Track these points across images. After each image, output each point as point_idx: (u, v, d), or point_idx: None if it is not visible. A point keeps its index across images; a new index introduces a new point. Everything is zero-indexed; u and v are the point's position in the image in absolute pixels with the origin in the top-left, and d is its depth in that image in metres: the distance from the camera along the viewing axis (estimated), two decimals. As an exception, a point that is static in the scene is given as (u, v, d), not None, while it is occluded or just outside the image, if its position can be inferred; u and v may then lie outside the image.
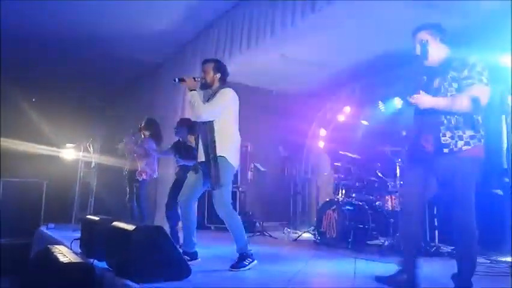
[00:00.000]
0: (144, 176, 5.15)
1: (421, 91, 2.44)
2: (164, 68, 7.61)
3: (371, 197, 5.10)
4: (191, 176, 3.37)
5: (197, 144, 3.35)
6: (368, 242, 4.89)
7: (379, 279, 2.65)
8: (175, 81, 3.36)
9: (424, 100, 2.43)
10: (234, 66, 6.30)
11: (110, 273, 2.79)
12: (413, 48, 2.62)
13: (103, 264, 2.99)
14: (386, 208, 4.86)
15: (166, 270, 2.64)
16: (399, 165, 4.70)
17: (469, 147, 2.38)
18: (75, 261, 2.74)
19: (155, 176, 5.45)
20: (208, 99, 3.34)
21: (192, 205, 3.42)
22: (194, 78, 3.32)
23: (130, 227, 2.70)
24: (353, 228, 4.74)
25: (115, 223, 3.04)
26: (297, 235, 5.76)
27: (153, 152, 5.22)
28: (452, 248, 4.57)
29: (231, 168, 3.20)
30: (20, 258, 5.70)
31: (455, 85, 2.44)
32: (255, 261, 3.17)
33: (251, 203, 7.31)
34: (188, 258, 3.19)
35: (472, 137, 2.40)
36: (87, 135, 6.37)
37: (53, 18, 6.01)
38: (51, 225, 6.52)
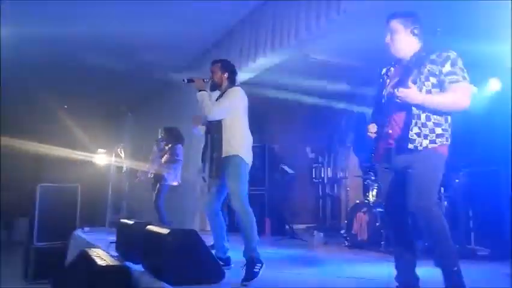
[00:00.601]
0: (167, 182, 5.50)
1: (410, 83, 2.22)
2: (190, 73, 7.69)
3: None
4: (209, 182, 3.37)
5: (207, 143, 3.35)
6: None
7: None
8: (184, 81, 3.39)
9: (413, 95, 2.21)
10: (258, 69, 6.42)
11: (146, 276, 2.85)
12: (384, 36, 2.45)
13: (139, 267, 3.06)
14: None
15: (200, 273, 2.68)
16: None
17: (435, 145, 2.26)
18: (112, 264, 2.81)
19: (176, 184, 5.69)
20: (217, 99, 3.33)
21: (218, 211, 3.36)
22: (203, 80, 3.33)
23: (164, 231, 2.75)
24: (385, 231, 4.67)
25: (150, 227, 3.10)
26: (327, 238, 5.70)
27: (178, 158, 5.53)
28: (489, 250, 4.46)
29: (244, 164, 3.13)
30: (57, 261, 5.88)
31: (432, 80, 2.28)
32: (264, 265, 2.97)
33: (279, 205, 7.29)
34: (222, 263, 3.21)
35: (439, 136, 2.27)
36: (117, 141, 6.54)
37: (84, 29, 6.19)
38: (87, 228, 6.72)
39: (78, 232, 6.40)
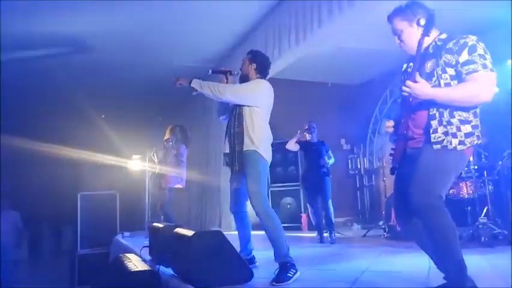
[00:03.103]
0: (170, 185, 5.27)
1: (418, 76, 1.98)
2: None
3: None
4: (231, 180, 3.21)
5: (226, 134, 3.17)
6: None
7: None
8: (209, 72, 3.28)
9: (422, 89, 1.97)
10: (284, 63, 6.31)
11: (175, 280, 2.83)
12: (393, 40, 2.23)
13: (169, 271, 3.05)
14: (461, 196, 4.49)
15: (228, 275, 2.62)
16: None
17: (464, 147, 1.99)
18: (141, 269, 2.81)
19: (180, 186, 5.46)
20: None
21: (243, 208, 3.23)
22: (230, 72, 3.22)
23: (189, 233, 2.72)
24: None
25: (177, 229, 3.08)
26: (365, 231, 5.52)
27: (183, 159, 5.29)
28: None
29: (263, 162, 2.95)
30: (100, 267, 6.05)
31: (450, 71, 2.02)
32: (298, 273, 2.76)
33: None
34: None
35: (467, 135, 2.00)
36: (150, 146, 6.61)
37: (118, 37, 6.32)
38: (127, 233, 6.87)
39: (118, 237, 6.55)
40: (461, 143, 1.99)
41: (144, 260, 3.56)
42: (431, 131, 2.03)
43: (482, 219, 4.13)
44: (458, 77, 2.02)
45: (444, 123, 2.02)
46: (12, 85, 7.30)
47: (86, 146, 8.14)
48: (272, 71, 6.41)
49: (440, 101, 2.00)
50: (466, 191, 4.40)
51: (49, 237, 10.11)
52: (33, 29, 5.78)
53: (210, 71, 3.27)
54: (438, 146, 2.01)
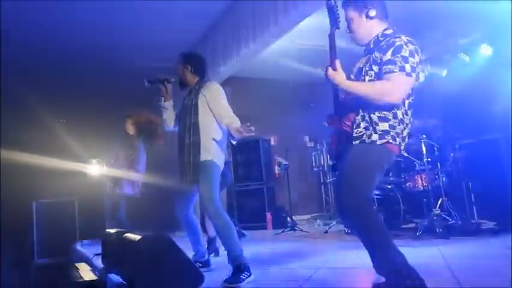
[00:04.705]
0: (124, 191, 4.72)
1: (337, 64, 2.03)
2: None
3: (401, 179, 4.79)
4: (179, 187, 3.13)
5: (181, 147, 3.05)
6: (402, 226, 4.63)
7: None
8: (146, 84, 3.13)
9: (335, 78, 2.03)
10: (244, 61, 6.26)
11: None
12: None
13: (119, 279, 2.93)
14: (417, 188, 4.56)
15: (176, 280, 2.52)
16: (424, 142, 4.39)
17: (384, 140, 2.02)
18: (86, 279, 2.67)
19: (132, 193, 4.84)
20: (186, 98, 3.07)
21: (189, 213, 3.17)
22: (167, 80, 3.10)
23: (136, 238, 2.61)
24: (383, 214, 4.50)
25: (126, 235, 2.96)
26: (327, 227, 5.53)
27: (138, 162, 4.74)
28: (494, 223, 4.27)
29: (217, 168, 2.95)
30: (59, 277, 5.81)
31: (375, 68, 2.05)
32: (252, 276, 2.73)
33: (280, 198, 7.14)
34: (200, 265, 3.06)
35: (385, 132, 2.02)
36: (108, 150, 6.39)
37: (76, 34, 6.07)
38: (86, 241, 6.64)
39: (77, 246, 6.32)
40: (380, 137, 2.02)
41: (94, 269, 3.42)
42: (354, 126, 2.07)
43: (437, 210, 4.20)
44: (379, 75, 2.04)
45: (366, 118, 2.06)
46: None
47: (42, 150, 7.80)
48: (232, 69, 6.47)
49: (354, 93, 2.03)
50: (421, 183, 4.48)
51: (8, 248, 9.66)
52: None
53: (146, 82, 3.11)
54: (357, 142, 2.05)
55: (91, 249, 5.44)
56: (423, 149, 4.39)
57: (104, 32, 6.08)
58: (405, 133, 2.09)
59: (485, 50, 5.26)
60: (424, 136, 4.40)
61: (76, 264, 3.47)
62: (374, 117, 2.04)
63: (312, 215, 7.61)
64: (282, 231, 5.73)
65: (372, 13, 2.12)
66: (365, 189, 2.02)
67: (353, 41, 2.26)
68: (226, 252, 2.86)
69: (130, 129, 4.93)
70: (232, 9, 5.89)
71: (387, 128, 2.03)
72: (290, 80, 8.12)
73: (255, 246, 4.47)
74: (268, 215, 6.67)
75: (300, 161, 8.10)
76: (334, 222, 5.62)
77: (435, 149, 4.57)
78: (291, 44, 6.64)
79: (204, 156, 2.90)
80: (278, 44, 5.91)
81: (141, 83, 3.20)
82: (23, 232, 7.59)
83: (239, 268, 2.72)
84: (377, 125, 2.03)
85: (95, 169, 6.79)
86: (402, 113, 2.07)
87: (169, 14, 5.78)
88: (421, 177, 4.46)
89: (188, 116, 2.98)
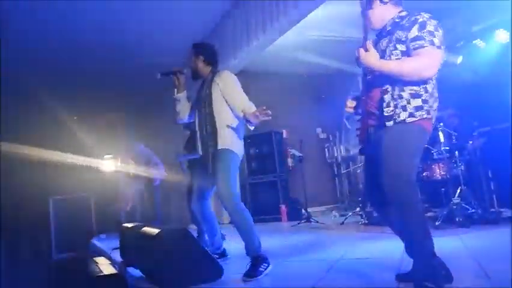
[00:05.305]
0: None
1: (369, 45, 2.01)
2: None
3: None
4: (196, 179, 3.12)
5: (192, 136, 3.09)
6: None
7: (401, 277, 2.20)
8: (158, 77, 3.08)
9: (368, 58, 2.01)
10: (254, 54, 6.22)
11: (143, 281, 2.73)
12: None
13: (139, 272, 2.94)
14: (434, 178, 4.49)
15: (196, 273, 2.53)
16: (441, 130, 4.31)
17: (414, 119, 1.98)
18: (106, 273, 2.69)
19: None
20: (200, 89, 3.05)
21: (206, 205, 3.12)
22: (180, 71, 3.04)
23: (154, 231, 2.61)
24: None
25: (144, 228, 2.96)
26: (343, 218, 5.49)
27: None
28: (516, 211, 4.19)
29: (236, 158, 2.90)
30: (77, 272, 5.88)
31: (400, 47, 2.02)
32: (271, 266, 2.71)
33: (294, 190, 7.11)
34: (217, 256, 3.05)
35: (417, 108, 1.99)
36: (123, 146, 6.43)
37: (88, 32, 6.10)
38: (103, 236, 6.71)
39: (95, 240, 6.39)
40: (410, 115, 1.99)
41: (114, 263, 3.44)
42: (384, 105, 2.04)
43: (456, 199, 4.13)
44: (408, 53, 2.02)
45: (395, 96, 2.02)
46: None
47: (58, 147, 7.89)
48: (243, 62, 6.43)
49: (386, 73, 2.01)
50: (439, 172, 4.40)
51: (26, 244, 9.81)
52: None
53: (159, 75, 3.06)
54: (390, 122, 2.01)
55: (107, 244, 5.51)
56: (441, 137, 4.31)
57: (115, 30, 6.08)
58: (435, 106, 2.06)
59: (502, 36, 5.13)
60: (441, 124, 4.32)
61: (94, 258, 3.47)
62: (405, 94, 2.01)
63: (326, 206, 7.56)
64: (298, 223, 5.70)
65: None
66: (407, 170, 1.97)
67: (368, 26, 2.22)
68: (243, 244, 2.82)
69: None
70: (241, 3, 5.85)
71: (421, 104, 2.00)
72: (301, 72, 8.05)
73: (272, 239, 4.45)
74: (283, 207, 6.65)
75: (313, 152, 8.05)
76: (350, 214, 5.58)
77: (453, 137, 4.48)
78: (302, 36, 6.57)
79: (221, 144, 2.86)
80: (288, 36, 5.87)
81: (153, 79, 3.16)
82: (41, 228, 7.71)
83: (257, 260, 2.69)
84: (409, 102, 2.00)
85: (109, 165, 6.86)
86: (432, 87, 2.05)
87: (177, 11, 5.76)
88: (439, 166, 4.38)
89: (203, 106, 2.95)
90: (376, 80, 2.09)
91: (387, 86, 2.04)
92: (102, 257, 3.62)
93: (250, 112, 2.68)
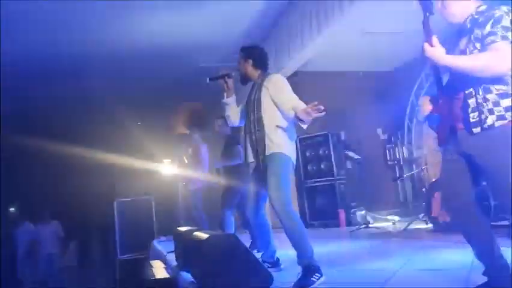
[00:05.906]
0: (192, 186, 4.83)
1: (435, 39, 1.85)
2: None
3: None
4: (252, 185, 2.98)
5: (245, 142, 2.96)
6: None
7: None
8: (208, 81, 3.04)
9: (433, 53, 1.85)
10: (311, 55, 6.10)
11: (194, 286, 2.71)
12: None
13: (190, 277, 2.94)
14: (509, 182, 4.08)
15: (244, 280, 2.46)
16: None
17: (504, 121, 1.78)
18: (158, 277, 2.71)
19: (198, 186, 4.87)
20: (250, 93, 2.97)
21: (262, 214, 3.01)
22: (227, 75, 2.98)
23: (204, 236, 2.58)
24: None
25: (195, 233, 2.96)
26: (406, 224, 5.17)
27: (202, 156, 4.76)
28: None
29: (288, 162, 2.79)
30: (137, 274, 6.09)
31: (478, 46, 1.85)
32: (324, 277, 2.54)
33: (353, 194, 6.85)
34: (269, 265, 2.96)
35: (507, 109, 1.78)
36: (181, 150, 6.56)
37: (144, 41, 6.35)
38: (163, 238, 6.90)
39: (155, 242, 6.58)
40: (500, 118, 1.79)
41: (168, 267, 3.48)
42: (469, 111, 1.86)
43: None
44: (483, 51, 1.84)
45: (479, 100, 1.84)
46: (55, 95, 7.53)
47: (121, 151, 8.26)
48: (297, 63, 6.33)
49: (455, 69, 1.85)
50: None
51: (95, 244, 10.41)
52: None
53: (208, 80, 3.04)
54: (478, 129, 1.83)
55: (166, 246, 5.64)
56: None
57: (170, 37, 6.25)
58: None
59: None
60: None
61: (150, 261, 3.54)
62: (492, 96, 1.82)
63: (387, 211, 7.20)
64: (357, 229, 5.47)
65: None
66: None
67: (444, 17, 2.05)
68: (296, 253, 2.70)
69: (181, 129, 5.07)
70: (295, 3, 5.77)
71: (511, 104, 1.81)
72: (358, 70, 7.77)
73: (327, 246, 4.29)
74: (341, 212, 6.43)
75: (373, 154, 7.73)
76: (413, 220, 5.25)
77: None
78: (359, 33, 6.33)
79: (272, 148, 2.78)
80: (344, 33, 5.69)
81: (204, 83, 3.15)
82: (107, 230, 8.14)
83: (309, 269, 2.55)
84: (498, 104, 1.81)
85: (168, 168, 7.03)
86: None
87: (233, 14, 5.80)
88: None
89: (252, 111, 2.89)
90: (457, 81, 1.92)
91: (471, 89, 1.86)
92: (158, 260, 3.68)
93: (301, 110, 2.57)
